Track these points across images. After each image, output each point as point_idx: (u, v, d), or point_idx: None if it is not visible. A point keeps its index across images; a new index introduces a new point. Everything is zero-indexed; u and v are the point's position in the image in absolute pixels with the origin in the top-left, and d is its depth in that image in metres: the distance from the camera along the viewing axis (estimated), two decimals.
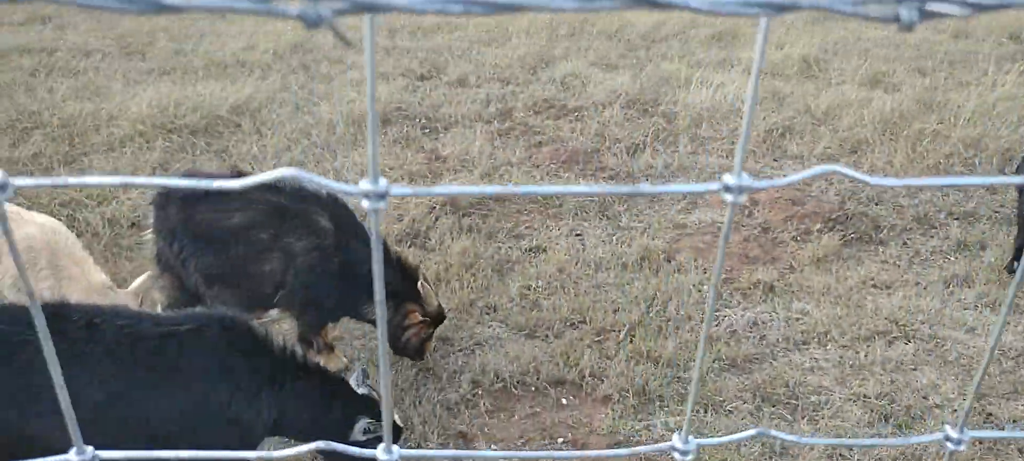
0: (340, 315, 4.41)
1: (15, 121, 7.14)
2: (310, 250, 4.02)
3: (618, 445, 3.99)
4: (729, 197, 0.79)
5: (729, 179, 0.78)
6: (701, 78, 8.64)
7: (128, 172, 6.34)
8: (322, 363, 4.31)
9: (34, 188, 0.64)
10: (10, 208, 4.28)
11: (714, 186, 0.80)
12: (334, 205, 4.17)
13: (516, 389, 4.43)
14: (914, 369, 4.47)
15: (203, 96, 7.53)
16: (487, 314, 5.03)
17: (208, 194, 3.94)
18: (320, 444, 0.91)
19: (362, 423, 3.25)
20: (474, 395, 4.36)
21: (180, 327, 2.91)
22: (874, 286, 5.35)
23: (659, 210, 6.37)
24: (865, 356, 4.58)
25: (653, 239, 5.87)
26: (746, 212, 6.30)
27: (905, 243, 5.89)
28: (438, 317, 4.34)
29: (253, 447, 3.21)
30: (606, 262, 5.58)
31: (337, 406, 3.28)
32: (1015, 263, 5.33)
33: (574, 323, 4.94)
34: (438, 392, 4.35)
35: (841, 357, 4.60)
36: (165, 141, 6.82)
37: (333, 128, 7.26)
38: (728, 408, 4.24)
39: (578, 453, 3.42)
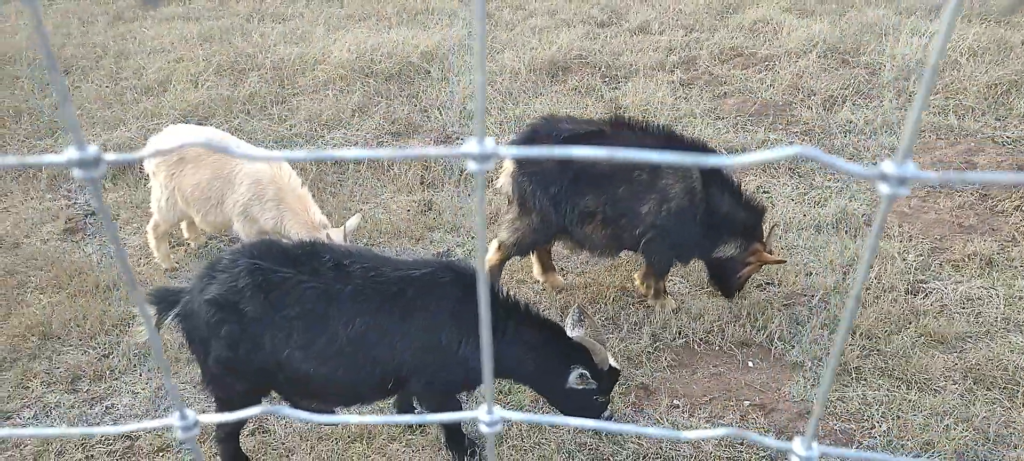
0: (693, 257, 4.48)
1: (234, 63, 7.87)
2: (683, 194, 4.10)
3: (808, 414, 3.83)
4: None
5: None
6: (912, 26, 7.85)
7: (331, 113, 6.81)
8: (655, 306, 4.56)
9: (506, 156, 0.70)
10: (240, 143, 4.77)
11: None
12: (696, 146, 4.25)
13: (698, 346, 4.36)
14: None
15: (396, 42, 7.90)
16: None
17: (583, 136, 4.12)
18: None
19: (576, 372, 3.32)
20: (655, 349, 4.34)
21: (415, 271, 3.13)
22: None
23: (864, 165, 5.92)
24: None
25: (851, 200, 5.49)
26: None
27: None
28: (777, 261, 4.36)
29: (475, 387, 3.42)
30: (797, 222, 5.29)
31: (554, 355, 3.37)
32: None
33: (762, 284, 4.75)
34: (619, 341, 4.37)
35: None
36: (363, 85, 7.25)
37: (516, 75, 7.37)
38: (935, 387, 3.92)
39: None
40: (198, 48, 8.19)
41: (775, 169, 5.98)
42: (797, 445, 0.76)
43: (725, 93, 7.14)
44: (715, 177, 4.19)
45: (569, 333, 3.46)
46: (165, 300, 3.14)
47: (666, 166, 4.05)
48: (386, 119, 6.75)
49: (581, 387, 3.33)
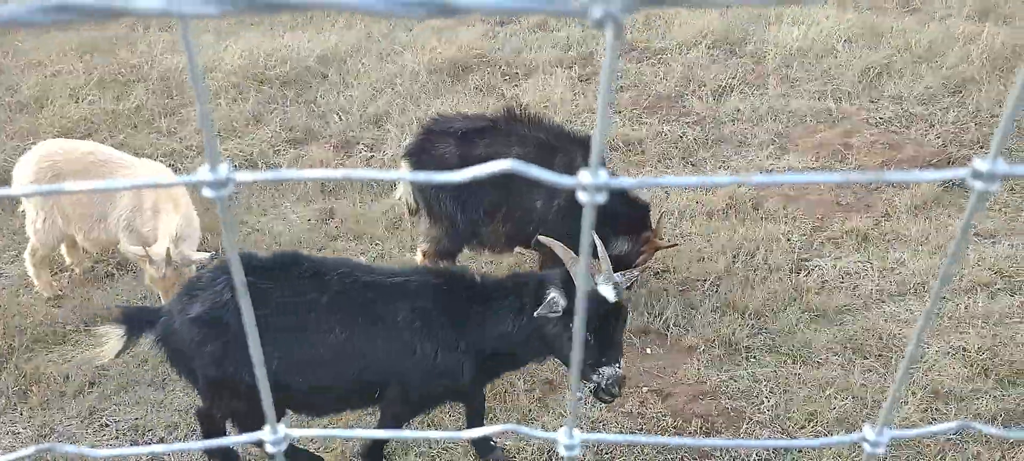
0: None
1: (118, 75, 7.52)
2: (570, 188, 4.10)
3: (703, 395, 4.00)
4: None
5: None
6: (793, 15, 8.25)
7: (223, 123, 6.60)
8: None
9: (251, 183, 0.67)
10: (123, 156, 4.57)
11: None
12: (588, 144, 4.31)
13: None
14: (1020, 322, 4.27)
15: (291, 47, 7.72)
16: None
17: (478, 131, 4.16)
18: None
19: (549, 296, 2.93)
20: None
21: (391, 279, 3.15)
22: (977, 235, 5.09)
23: (746, 155, 6.20)
24: (965, 309, 4.40)
25: (740, 187, 5.73)
26: (839, 156, 6.07)
27: (1012, 189, 5.55)
28: (670, 245, 4.51)
29: (463, 385, 3.25)
30: (690, 210, 5.49)
31: (527, 294, 3.10)
32: None
33: (658, 272, 4.91)
34: None
35: (939, 309, 4.43)
36: (257, 92, 7.06)
37: (417, 77, 7.34)
38: (817, 360, 4.17)
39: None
40: (78, 61, 7.78)
41: (669, 159, 6.19)
42: (561, 434, 0.79)
43: (621, 87, 7.32)
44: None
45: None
46: (137, 320, 3.17)
47: (557, 160, 4.14)
48: (283, 127, 6.60)
49: (548, 314, 2.90)
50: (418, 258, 4.60)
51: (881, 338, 4.26)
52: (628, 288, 3.18)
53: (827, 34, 7.78)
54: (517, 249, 4.77)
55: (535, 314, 2.96)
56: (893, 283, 4.68)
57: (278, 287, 3.03)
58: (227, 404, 3.20)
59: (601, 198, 0.69)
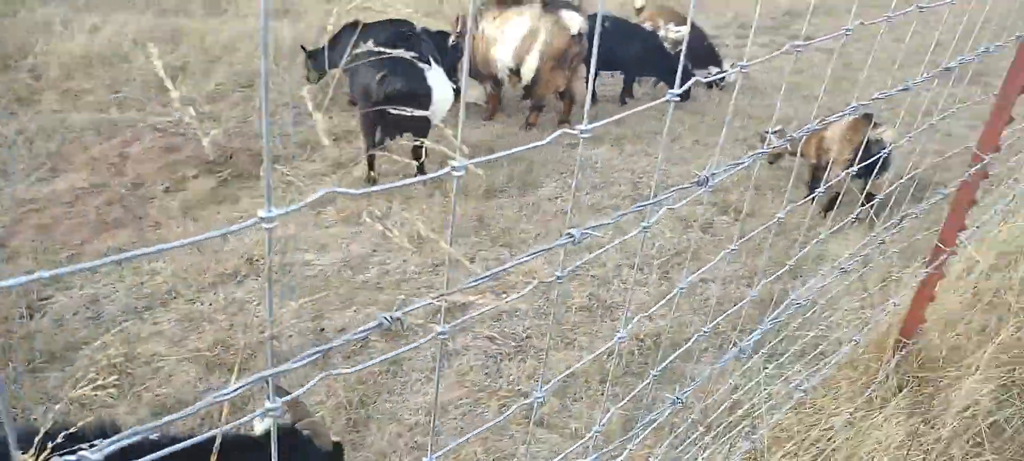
0: None
1: None
2: None
3: None
4: None
5: None
6: (81, 21, 7.46)
7: None
8: None
9: None
10: None
11: None
12: None
13: None
14: (259, 304, 4.31)
15: None
16: None
17: None
18: None
19: None
20: None
21: None
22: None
23: (10, 182, 5.22)
24: (210, 305, 4.26)
25: None
26: (113, 169, 5.53)
27: (292, 169, 5.79)
28: None
29: None
30: None
31: None
32: (371, 172, 5.60)
33: None
34: None
35: (185, 313, 4.21)
36: None
37: None
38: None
39: None
40: None
41: None
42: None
43: None
44: None
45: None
46: None
47: None
48: None
49: None
50: None
51: (113, 365, 3.82)
52: None
53: (119, 39, 7.21)
54: None
55: None
56: (142, 297, 4.31)
57: None
58: None
59: None
